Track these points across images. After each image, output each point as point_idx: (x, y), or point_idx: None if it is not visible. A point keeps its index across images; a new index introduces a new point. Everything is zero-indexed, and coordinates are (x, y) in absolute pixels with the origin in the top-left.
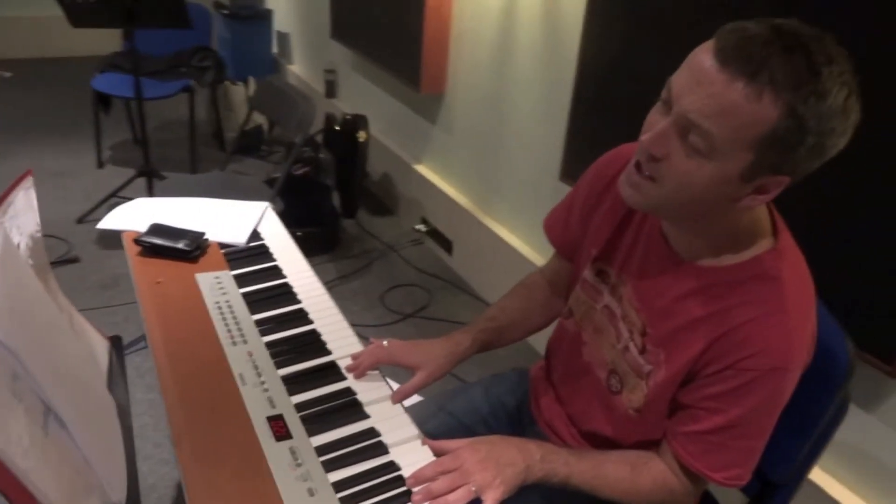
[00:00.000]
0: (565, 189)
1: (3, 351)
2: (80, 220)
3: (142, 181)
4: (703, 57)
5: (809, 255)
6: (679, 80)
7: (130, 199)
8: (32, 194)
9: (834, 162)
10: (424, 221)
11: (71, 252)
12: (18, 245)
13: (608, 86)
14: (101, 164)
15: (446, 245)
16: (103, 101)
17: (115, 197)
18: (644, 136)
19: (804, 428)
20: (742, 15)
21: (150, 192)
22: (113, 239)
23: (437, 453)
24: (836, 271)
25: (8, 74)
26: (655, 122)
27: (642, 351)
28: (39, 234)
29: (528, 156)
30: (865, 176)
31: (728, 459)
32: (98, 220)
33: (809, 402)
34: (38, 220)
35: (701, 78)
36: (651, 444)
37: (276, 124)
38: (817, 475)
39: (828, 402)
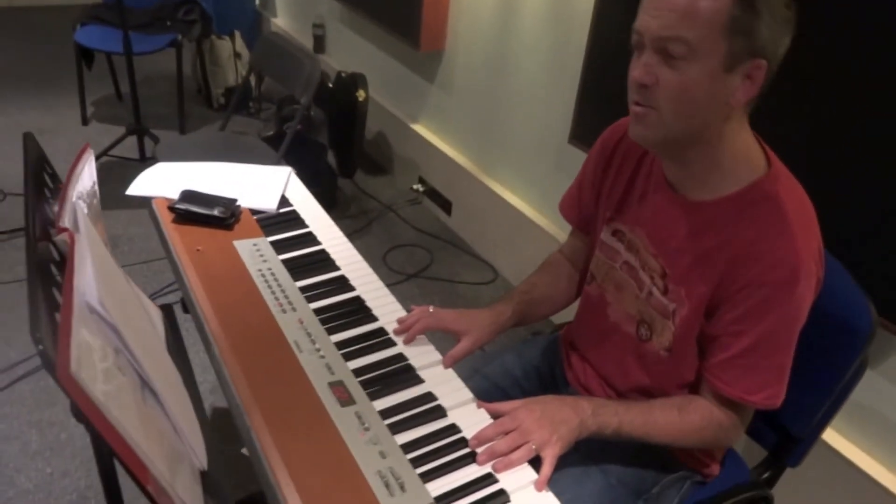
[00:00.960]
0: (573, 151)
1: (105, 327)
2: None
3: (132, 140)
4: None
5: (832, 223)
6: (641, 19)
7: (123, 157)
8: (92, 162)
9: (858, 128)
10: (422, 181)
11: None
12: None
13: (626, 45)
14: (85, 122)
15: (445, 205)
16: (86, 55)
17: (107, 156)
18: (632, 74)
19: (826, 385)
20: None
21: (142, 152)
22: (108, 199)
23: (493, 415)
24: (858, 239)
25: None
26: (636, 64)
27: (665, 292)
28: (97, 196)
29: (532, 116)
30: (891, 144)
31: (761, 380)
32: None
33: (832, 361)
34: (95, 181)
35: (657, 4)
36: (687, 386)
37: (280, 85)
38: (827, 433)
39: (849, 363)
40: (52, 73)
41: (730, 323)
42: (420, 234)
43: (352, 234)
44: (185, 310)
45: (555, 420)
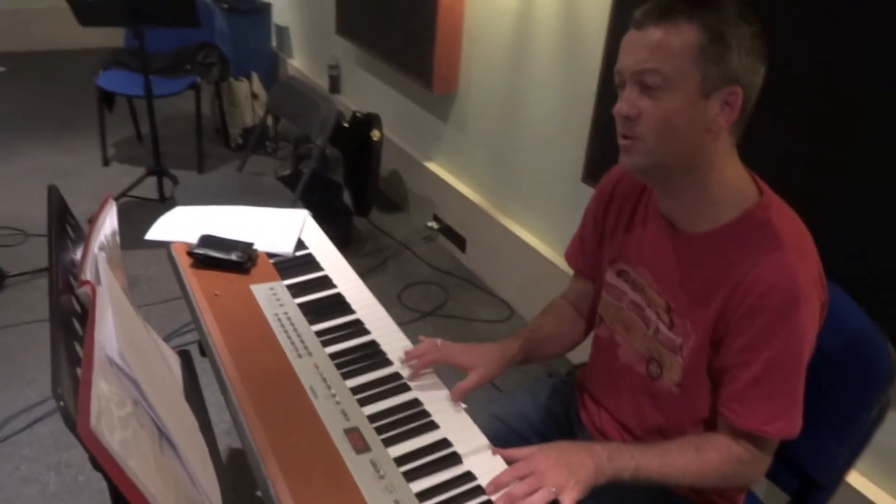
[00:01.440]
0: (586, 189)
1: (125, 380)
2: (92, 221)
3: (151, 181)
4: (628, 35)
5: (846, 259)
6: (620, 60)
7: (141, 198)
8: (114, 213)
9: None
10: (436, 219)
11: None
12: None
13: None
14: (106, 163)
15: (460, 242)
16: (107, 98)
17: (126, 196)
18: (616, 108)
19: (847, 430)
20: (770, 8)
21: (161, 192)
22: (127, 239)
23: (509, 461)
24: (873, 272)
25: (2, 69)
26: (619, 100)
27: (671, 326)
28: (118, 247)
29: (545, 155)
30: None
31: (774, 410)
32: None
33: (852, 405)
34: (116, 231)
35: (633, 44)
36: (702, 423)
37: (296, 126)
38: (853, 477)
39: (870, 406)
40: (73, 116)
41: (736, 353)
42: (435, 272)
43: (367, 273)
44: (203, 353)
45: (572, 464)
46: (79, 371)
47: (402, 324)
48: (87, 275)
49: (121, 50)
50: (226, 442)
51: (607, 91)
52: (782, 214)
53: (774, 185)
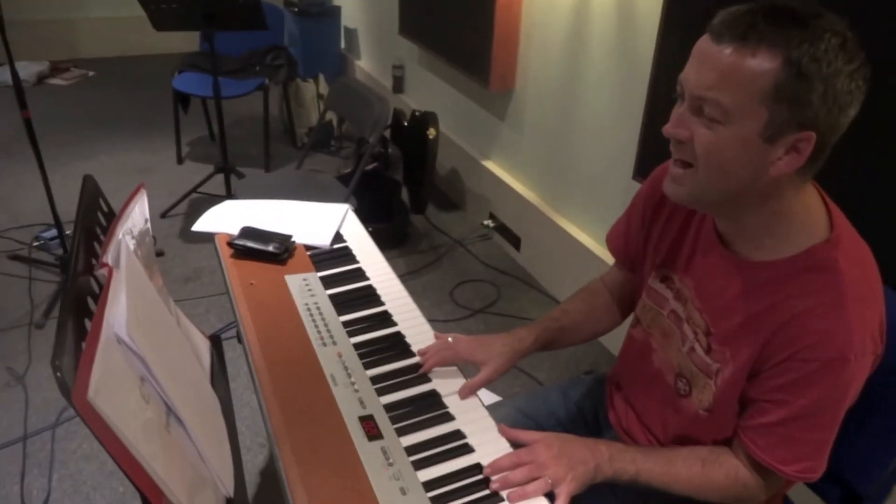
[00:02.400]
0: (637, 188)
1: (133, 357)
2: (164, 215)
3: (220, 177)
4: (701, 43)
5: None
6: (686, 71)
7: (209, 194)
8: (145, 202)
9: None
10: (492, 217)
11: (156, 246)
12: (135, 251)
13: None
14: (180, 161)
15: (514, 241)
16: (182, 99)
17: (196, 193)
18: (666, 126)
19: (893, 441)
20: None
21: (228, 189)
22: (194, 233)
23: (513, 443)
24: None
25: (91, 73)
26: (673, 115)
27: (708, 350)
28: (149, 234)
29: (599, 153)
30: None
31: (798, 452)
32: (180, 214)
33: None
34: (147, 219)
35: (701, 58)
36: (726, 443)
37: (352, 125)
38: None
39: None
40: (153, 117)
41: (771, 390)
42: (489, 270)
43: (422, 269)
44: (239, 340)
45: (573, 459)
46: (84, 345)
47: (453, 321)
48: (109, 258)
49: (196, 54)
50: None
51: (659, 89)
52: (852, 254)
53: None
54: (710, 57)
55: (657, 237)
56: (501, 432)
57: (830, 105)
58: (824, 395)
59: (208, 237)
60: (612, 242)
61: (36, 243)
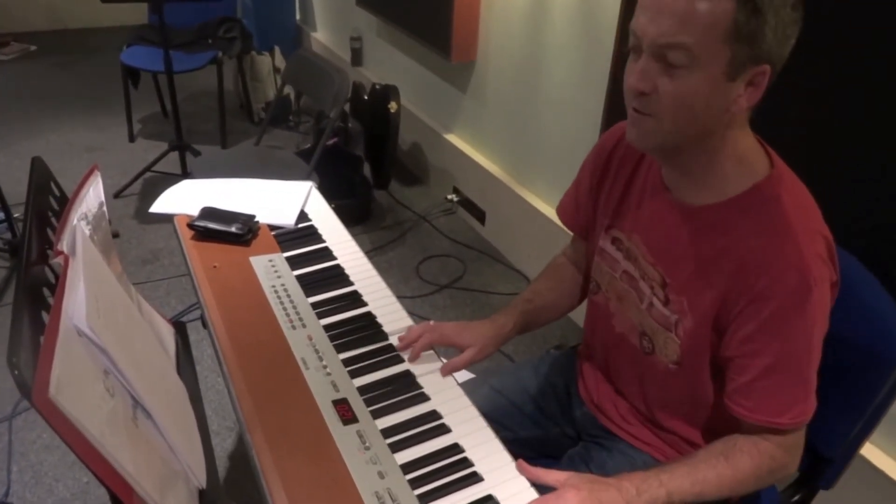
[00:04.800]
0: None
1: (95, 349)
2: (117, 195)
3: (174, 155)
4: None
5: (861, 229)
6: (639, 21)
7: (165, 173)
8: (99, 184)
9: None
10: (456, 191)
11: (111, 228)
12: (91, 237)
13: None
14: (132, 138)
15: (479, 215)
16: (132, 74)
17: (150, 171)
18: (628, 79)
19: (857, 406)
20: None
21: (183, 167)
22: (151, 214)
23: (534, 483)
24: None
25: (32, 48)
26: (633, 69)
27: (666, 302)
28: (105, 218)
29: (563, 124)
30: None
31: (786, 400)
32: (134, 194)
33: (864, 381)
34: (103, 202)
35: (657, 7)
36: (702, 403)
37: (311, 99)
38: (865, 448)
39: (882, 382)
40: (101, 93)
41: (743, 342)
42: (454, 245)
43: (386, 245)
44: (204, 325)
45: (602, 502)
46: (42, 340)
47: (420, 296)
48: (63, 246)
49: (144, 26)
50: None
51: (622, 59)
52: (792, 188)
53: (785, 152)
54: (666, 4)
55: (605, 197)
56: (520, 470)
57: (780, 37)
58: (797, 330)
59: (165, 217)
60: (563, 215)
61: None
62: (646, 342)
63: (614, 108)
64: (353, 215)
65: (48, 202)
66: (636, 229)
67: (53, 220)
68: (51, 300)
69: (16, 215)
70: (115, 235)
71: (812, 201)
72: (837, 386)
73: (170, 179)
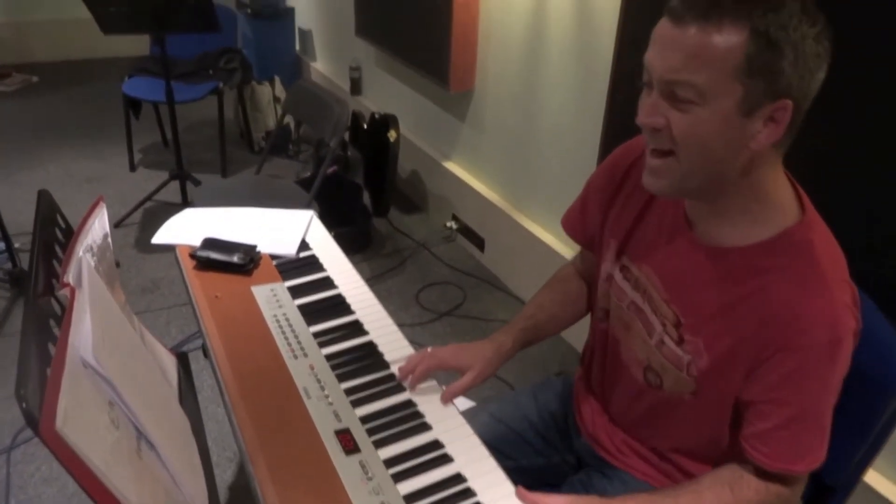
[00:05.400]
0: None
1: (100, 381)
2: (118, 225)
3: (175, 185)
4: (662, 27)
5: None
6: (650, 56)
7: (165, 202)
8: (105, 216)
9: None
10: (455, 219)
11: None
12: (96, 267)
13: None
14: (133, 168)
15: (478, 242)
16: (133, 105)
17: (150, 201)
18: (638, 115)
19: (859, 432)
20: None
21: (184, 196)
22: (150, 243)
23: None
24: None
25: (34, 79)
26: (643, 104)
27: (679, 342)
28: (110, 249)
29: (561, 152)
30: None
31: (804, 449)
32: (135, 224)
33: (865, 408)
34: (108, 233)
35: (664, 43)
36: (710, 434)
37: (311, 128)
38: (869, 475)
39: (884, 408)
40: (103, 123)
41: (766, 389)
42: (454, 272)
43: (386, 273)
44: (205, 355)
45: None
46: (49, 372)
47: (419, 324)
48: (70, 277)
49: (146, 57)
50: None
51: (620, 86)
52: (822, 236)
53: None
54: (674, 40)
55: (615, 218)
56: (520, 497)
57: (802, 70)
58: (822, 382)
59: (166, 247)
60: (568, 226)
61: None
62: (651, 376)
63: (611, 135)
64: (353, 243)
65: (54, 234)
66: (648, 262)
67: (59, 251)
68: (57, 331)
69: (16, 245)
70: (116, 265)
71: (839, 249)
72: (839, 412)
73: (170, 209)
